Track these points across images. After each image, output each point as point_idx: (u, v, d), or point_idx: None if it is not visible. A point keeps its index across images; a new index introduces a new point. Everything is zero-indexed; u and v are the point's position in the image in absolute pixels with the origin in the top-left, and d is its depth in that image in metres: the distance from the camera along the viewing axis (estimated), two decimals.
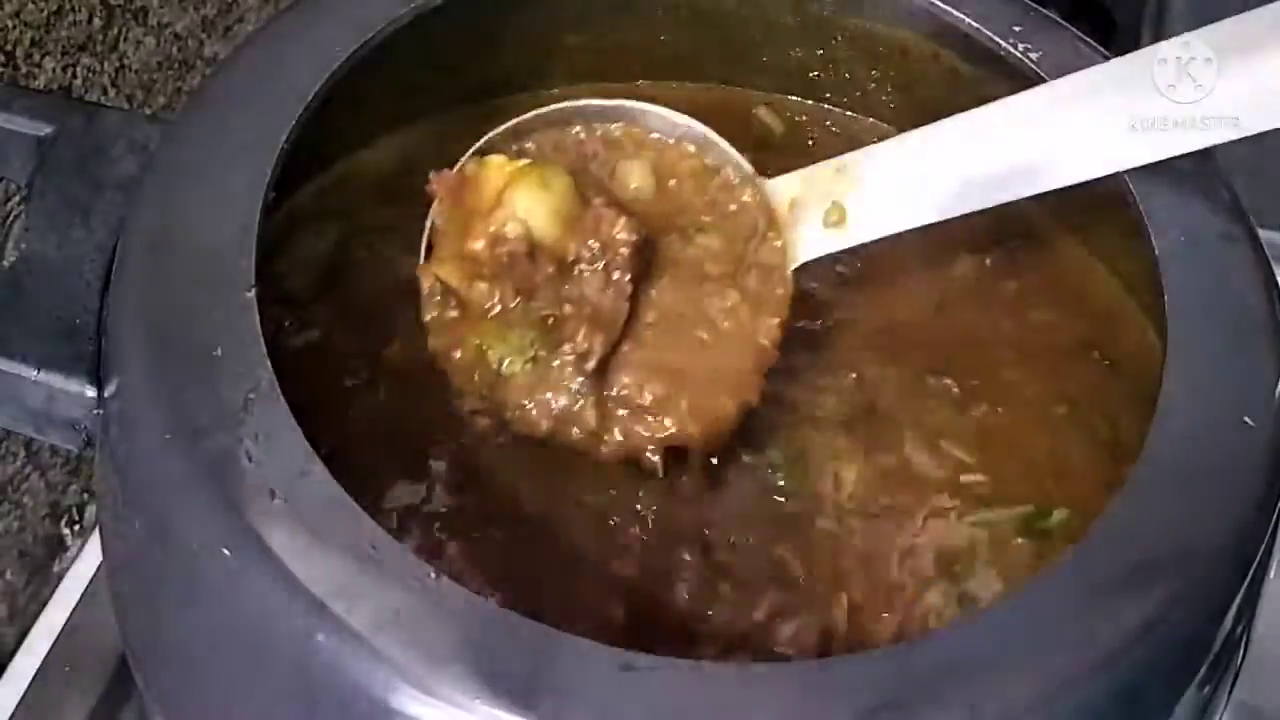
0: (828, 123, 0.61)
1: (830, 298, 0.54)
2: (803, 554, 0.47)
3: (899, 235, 0.51)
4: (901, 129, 0.59)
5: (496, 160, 0.50)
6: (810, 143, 0.60)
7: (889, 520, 0.48)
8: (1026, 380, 0.52)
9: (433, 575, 0.39)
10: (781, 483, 0.49)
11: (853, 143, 0.59)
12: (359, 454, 0.46)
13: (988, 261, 0.56)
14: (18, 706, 0.65)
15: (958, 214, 0.50)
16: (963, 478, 0.50)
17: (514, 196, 0.48)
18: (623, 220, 0.48)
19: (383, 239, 0.54)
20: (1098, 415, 0.52)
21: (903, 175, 0.50)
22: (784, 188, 0.52)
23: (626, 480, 0.48)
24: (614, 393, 0.48)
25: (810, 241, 0.51)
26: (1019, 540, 0.48)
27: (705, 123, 0.53)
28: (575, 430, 0.48)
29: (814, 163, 0.53)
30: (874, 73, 0.59)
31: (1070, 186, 0.55)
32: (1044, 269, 0.56)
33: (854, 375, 0.52)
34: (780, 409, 0.51)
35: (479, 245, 0.48)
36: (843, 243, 0.51)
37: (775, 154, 0.57)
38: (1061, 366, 0.53)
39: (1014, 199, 0.49)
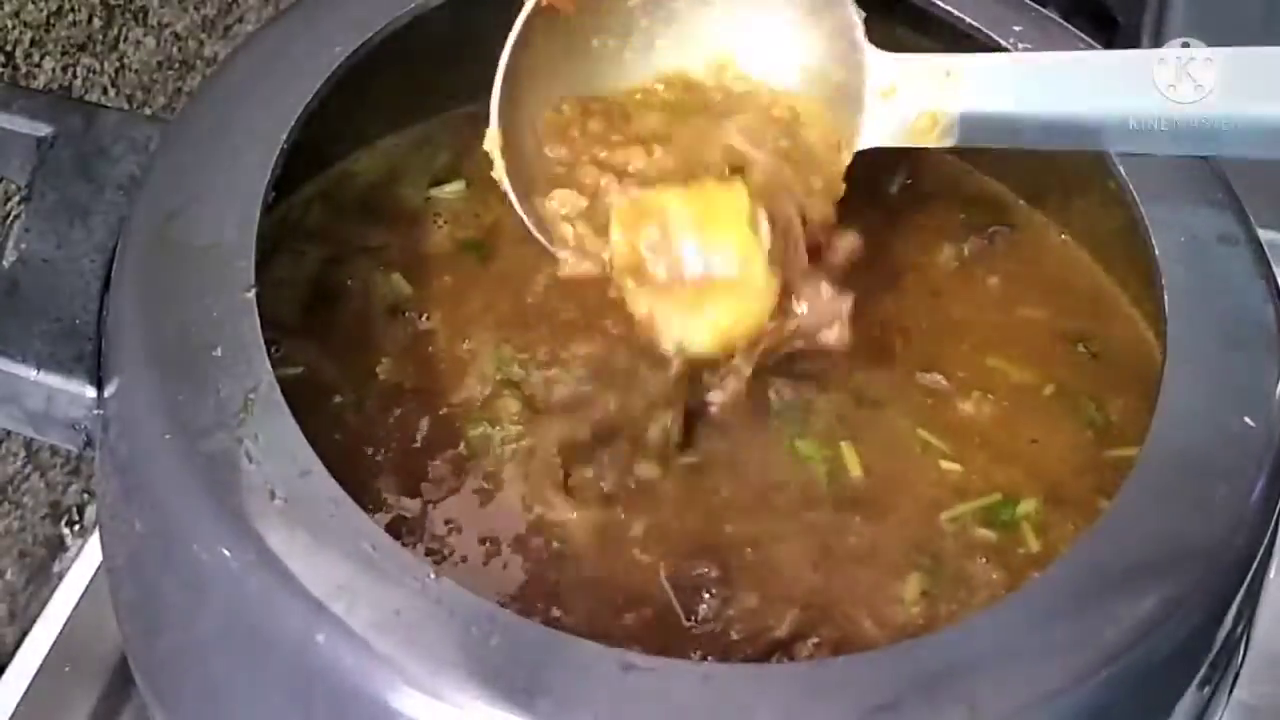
0: None
1: None
2: (805, 556, 0.47)
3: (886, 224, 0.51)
4: None
5: (734, 188, 0.48)
6: None
7: (875, 516, 0.48)
8: (1013, 370, 0.53)
9: (432, 575, 0.39)
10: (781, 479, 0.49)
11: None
12: (350, 472, 0.45)
13: (966, 250, 0.56)
14: (18, 706, 0.64)
15: (1038, 147, 0.49)
16: (951, 468, 0.50)
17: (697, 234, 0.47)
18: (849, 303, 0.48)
19: (368, 260, 0.54)
20: (1084, 397, 0.52)
21: (1009, 95, 0.49)
22: (886, 71, 0.50)
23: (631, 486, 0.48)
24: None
25: (884, 133, 0.51)
26: (982, 531, 0.48)
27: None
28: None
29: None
30: None
31: (1070, 184, 0.55)
32: (1031, 262, 0.57)
33: (847, 372, 0.52)
34: (779, 408, 0.51)
35: (618, 236, 0.48)
36: (917, 143, 0.51)
37: None
38: (1049, 357, 0.53)
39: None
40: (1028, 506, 0.49)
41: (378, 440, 0.48)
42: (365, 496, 0.46)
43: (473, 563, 0.46)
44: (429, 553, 0.46)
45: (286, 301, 0.52)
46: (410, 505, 0.47)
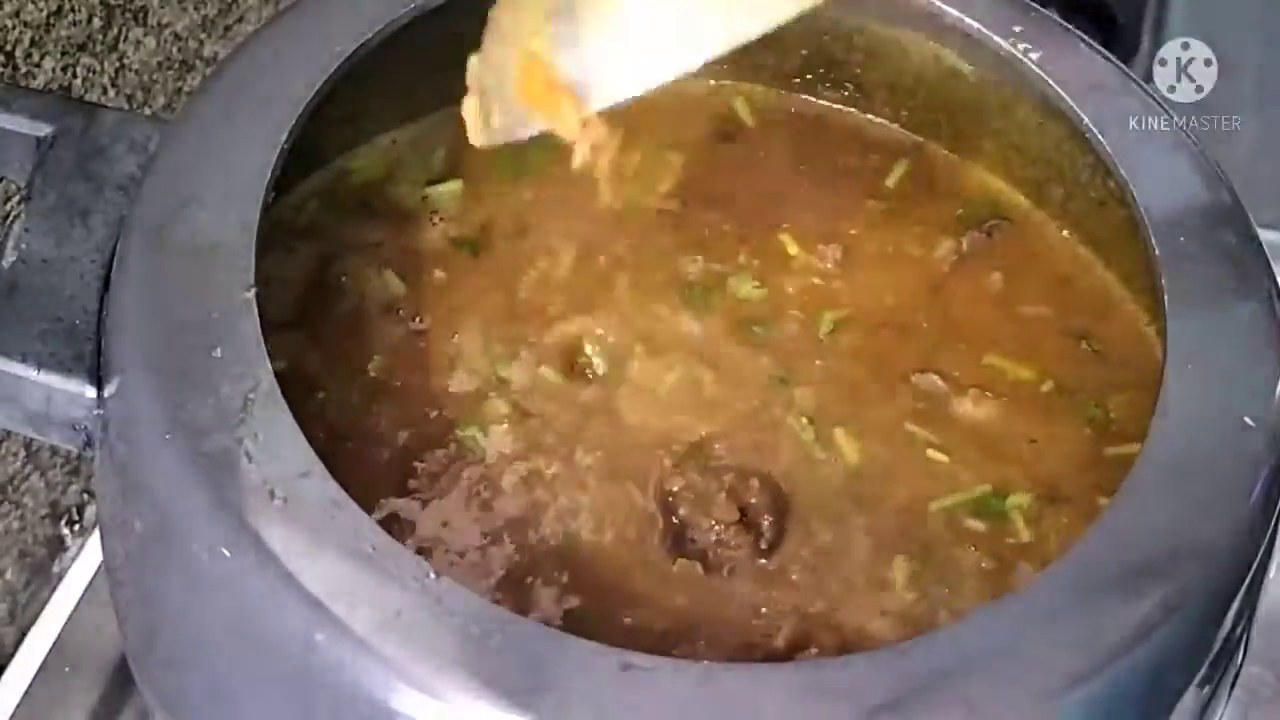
0: (822, 119, 0.61)
1: (820, 291, 0.55)
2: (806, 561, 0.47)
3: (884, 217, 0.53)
4: (904, 128, 0.60)
5: None
6: (809, 139, 0.60)
7: (870, 516, 0.48)
8: (1012, 367, 0.53)
9: (433, 575, 0.39)
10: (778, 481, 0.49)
11: (851, 139, 0.60)
12: (342, 465, 0.44)
13: (964, 244, 0.56)
14: (18, 706, 0.65)
15: None
16: (943, 462, 0.50)
17: None
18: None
19: (362, 258, 0.53)
20: (1085, 394, 0.52)
21: None
22: None
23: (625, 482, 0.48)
24: None
25: None
26: (972, 523, 0.48)
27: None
28: None
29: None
30: (875, 73, 0.59)
31: (1070, 183, 0.55)
32: (1031, 258, 0.56)
33: (844, 370, 0.52)
34: (775, 405, 0.51)
35: None
36: None
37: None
38: (1051, 354, 0.53)
39: None
40: (1020, 500, 0.49)
41: (367, 437, 0.48)
42: (356, 494, 0.46)
43: (466, 562, 0.46)
44: (418, 552, 0.46)
45: (281, 299, 0.51)
46: (400, 504, 0.47)
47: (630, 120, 0.56)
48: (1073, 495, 0.49)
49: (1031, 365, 0.53)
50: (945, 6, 0.55)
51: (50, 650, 0.67)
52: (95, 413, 0.46)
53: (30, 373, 0.46)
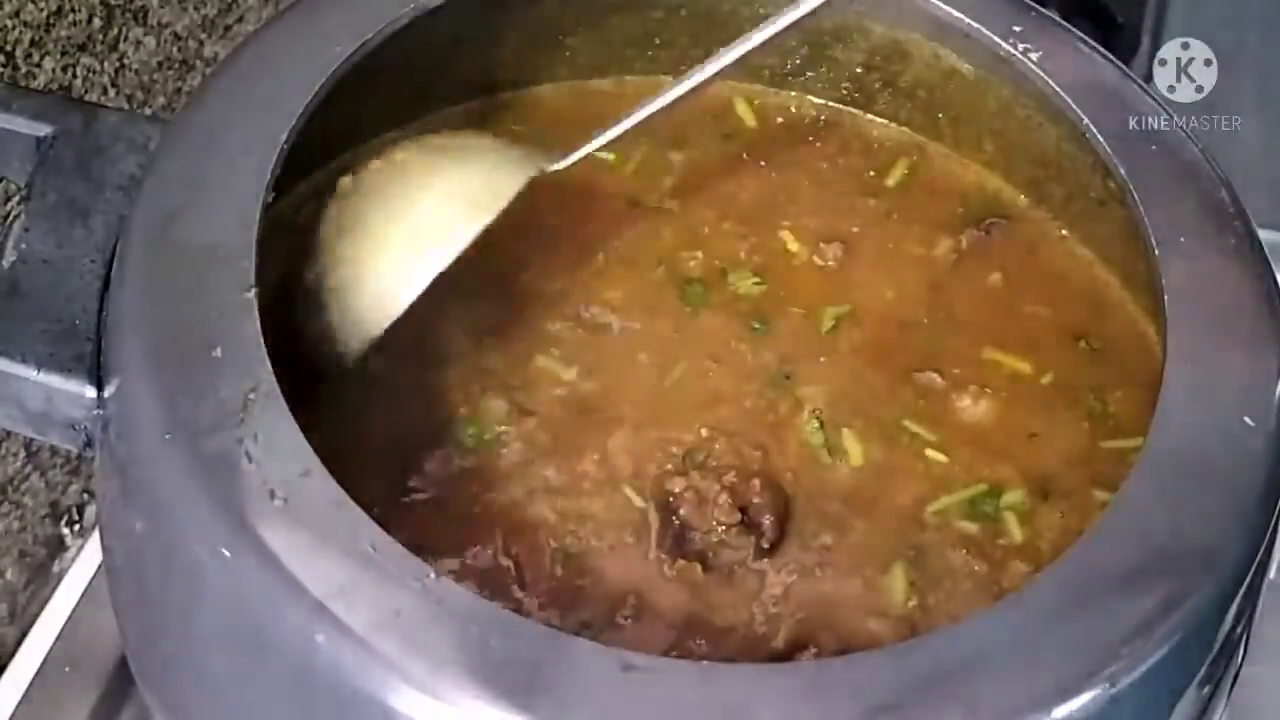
0: (822, 118, 0.61)
1: (821, 288, 0.55)
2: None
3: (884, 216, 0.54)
4: (903, 127, 0.60)
5: None
6: (809, 138, 0.60)
7: (871, 512, 0.49)
8: (1012, 363, 0.53)
9: (432, 575, 0.39)
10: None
11: (851, 139, 0.60)
12: (342, 466, 0.44)
13: (964, 242, 0.56)
14: (18, 706, 0.64)
15: None
16: (941, 462, 0.50)
17: None
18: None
19: None
20: (1084, 389, 0.52)
21: None
22: None
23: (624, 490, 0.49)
24: None
25: None
26: (966, 524, 0.48)
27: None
28: None
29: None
30: (874, 72, 0.59)
31: (1070, 183, 0.55)
32: (1031, 257, 0.57)
33: (844, 370, 0.52)
34: (780, 404, 0.51)
35: None
36: None
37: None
38: (1049, 352, 0.53)
39: None
40: (1015, 498, 0.49)
41: (367, 436, 0.48)
42: (356, 494, 0.45)
43: (466, 561, 0.46)
44: (417, 552, 0.46)
45: (279, 299, 0.51)
46: (400, 504, 0.47)
47: None
48: (1069, 489, 0.49)
49: (1030, 359, 0.53)
50: (945, 6, 0.55)
51: (50, 650, 0.66)
52: (95, 413, 0.46)
53: (30, 373, 0.46)
